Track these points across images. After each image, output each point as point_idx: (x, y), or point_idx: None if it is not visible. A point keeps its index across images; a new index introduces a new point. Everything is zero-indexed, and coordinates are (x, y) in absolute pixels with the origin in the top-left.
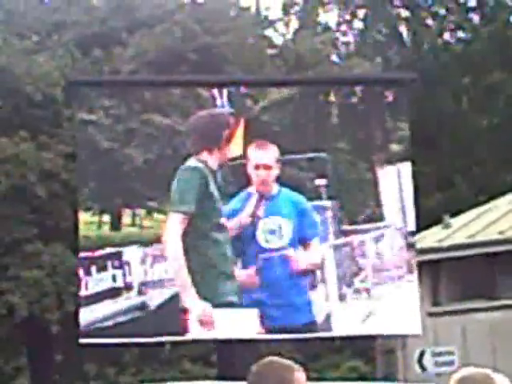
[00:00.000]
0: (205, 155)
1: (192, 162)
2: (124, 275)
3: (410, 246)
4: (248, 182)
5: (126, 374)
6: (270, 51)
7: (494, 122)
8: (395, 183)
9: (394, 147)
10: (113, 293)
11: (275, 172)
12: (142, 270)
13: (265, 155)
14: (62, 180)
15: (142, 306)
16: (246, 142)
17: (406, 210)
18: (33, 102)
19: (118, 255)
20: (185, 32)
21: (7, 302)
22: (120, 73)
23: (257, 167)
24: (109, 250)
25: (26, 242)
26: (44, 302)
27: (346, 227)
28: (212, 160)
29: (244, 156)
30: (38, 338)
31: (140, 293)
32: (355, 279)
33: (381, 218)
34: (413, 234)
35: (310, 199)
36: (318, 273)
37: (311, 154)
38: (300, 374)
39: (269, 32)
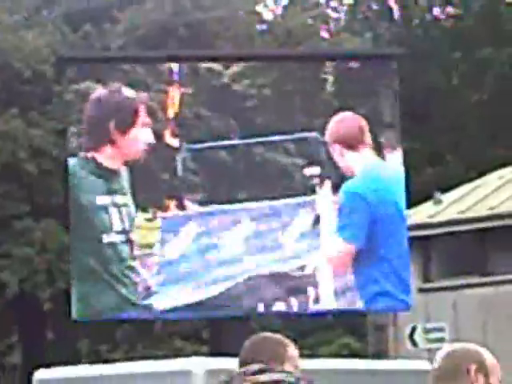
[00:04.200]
0: (91, 153)
1: (72, 160)
2: None
3: None
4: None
5: (118, 351)
6: (260, 27)
7: (484, 97)
8: (402, 168)
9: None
10: None
11: None
12: None
13: None
14: (53, 156)
15: None
16: (182, 123)
17: None
18: (22, 79)
19: None
20: (175, 7)
21: None
22: (110, 48)
23: None
24: None
25: (17, 218)
26: (35, 279)
27: None
28: (106, 159)
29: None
30: (30, 316)
31: None
32: None
33: None
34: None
35: (299, 194)
36: None
37: (299, 135)
38: (293, 350)
39: (259, 8)
